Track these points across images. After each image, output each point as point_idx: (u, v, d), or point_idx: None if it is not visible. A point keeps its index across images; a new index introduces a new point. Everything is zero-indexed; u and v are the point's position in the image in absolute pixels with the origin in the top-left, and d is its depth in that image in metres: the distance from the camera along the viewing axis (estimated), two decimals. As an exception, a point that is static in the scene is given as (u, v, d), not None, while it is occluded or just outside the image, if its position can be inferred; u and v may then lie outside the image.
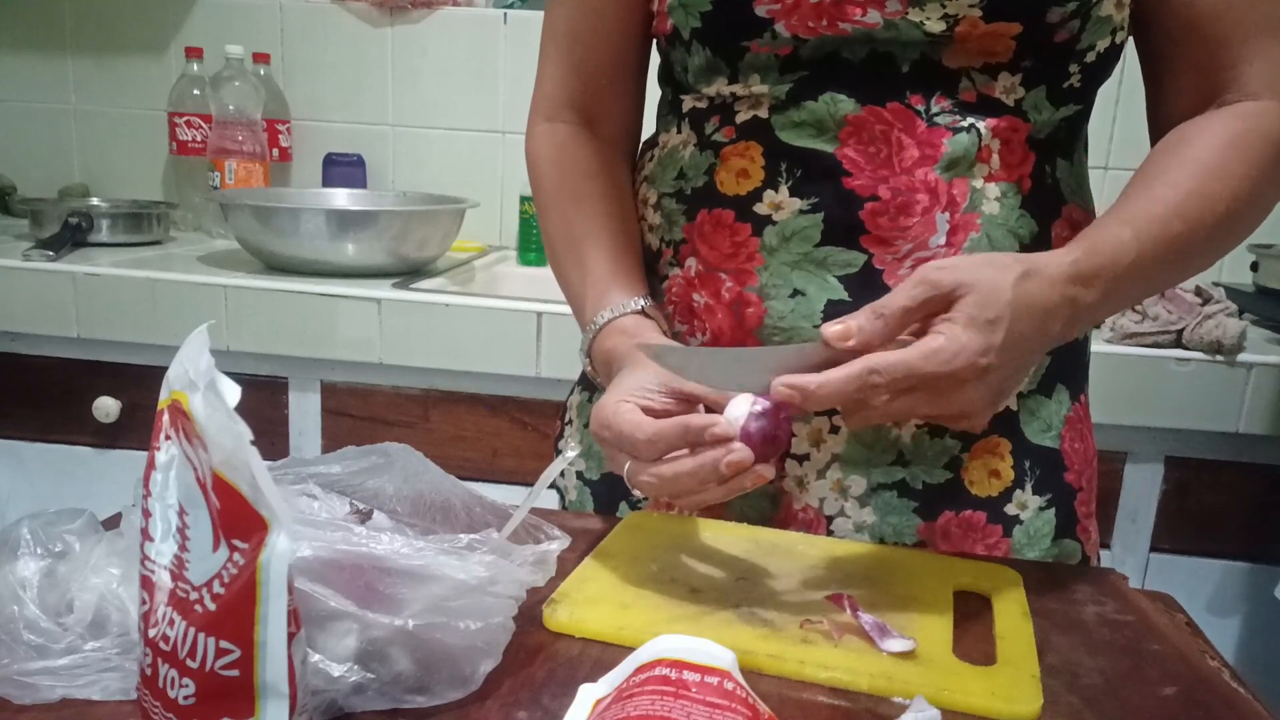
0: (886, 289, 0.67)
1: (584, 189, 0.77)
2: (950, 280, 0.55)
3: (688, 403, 0.61)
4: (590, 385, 0.82)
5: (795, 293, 0.68)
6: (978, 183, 0.67)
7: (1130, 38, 0.70)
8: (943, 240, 0.67)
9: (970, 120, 0.66)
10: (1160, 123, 0.70)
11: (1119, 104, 1.57)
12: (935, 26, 0.64)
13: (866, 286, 0.67)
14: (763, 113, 0.69)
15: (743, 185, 0.70)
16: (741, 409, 0.56)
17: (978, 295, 0.55)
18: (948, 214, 0.66)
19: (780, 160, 0.68)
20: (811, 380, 0.53)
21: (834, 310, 0.67)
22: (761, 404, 0.55)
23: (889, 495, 0.71)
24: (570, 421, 0.85)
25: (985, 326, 0.54)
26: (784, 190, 0.68)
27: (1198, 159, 0.64)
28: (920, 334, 0.56)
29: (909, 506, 0.71)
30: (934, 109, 0.66)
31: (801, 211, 0.68)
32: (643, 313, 0.71)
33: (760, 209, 0.69)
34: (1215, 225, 0.63)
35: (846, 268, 0.68)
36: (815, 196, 0.67)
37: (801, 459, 0.72)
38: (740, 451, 0.54)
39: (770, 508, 0.74)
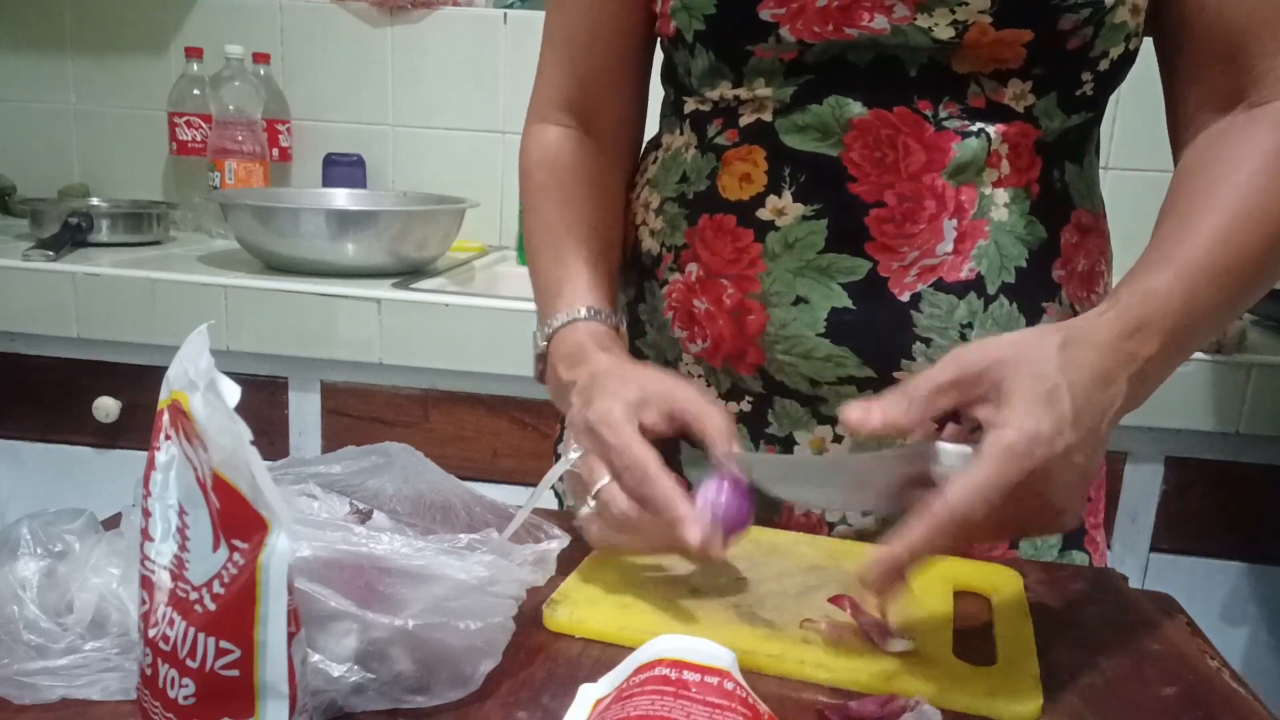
0: (891, 297, 0.66)
1: (571, 193, 0.76)
2: (981, 360, 0.50)
3: (675, 420, 0.60)
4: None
5: (798, 300, 0.68)
6: (986, 189, 0.66)
7: (1147, 37, 0.67)
8: (950, 248, 0.66)
9: (980, 125, 0.65)
10: (1182, 121, 0.67)
11: (1119, 104, 1.57)
12: (944, 33, 0.62)
13: (871, 294, 0.66)
14: (766, 116, 0.68)
15: (745, 190, 0.69)
16: (708, 494, 0.56)
17: (1024, 369, 0.49)
18: (955, 220, 0.66)
19: (784, 165, 0.68)
20: (900, 547, 0.49)
21: (837, 318, 0.67)
22: (725, 485, 0.56)
23: None
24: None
25: (1046, 400, 0.48)
26: (787, 195, 0.67)
27: (1241, 179, 0.60)
28: (954, 421, 0.52)
29: None
30: (942, 114, 0.65)
31: (805, 217, 0.67)
32: (597, 316, 0.69)
33: (763, 214, 0.68)
34: (1269, 247, 0.59)
35: (850, 275, 0.67)
36: (819, 202, 0.67)
37: (804, 464, 0.71)
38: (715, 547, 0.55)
39: (771, 513, 0.73)
